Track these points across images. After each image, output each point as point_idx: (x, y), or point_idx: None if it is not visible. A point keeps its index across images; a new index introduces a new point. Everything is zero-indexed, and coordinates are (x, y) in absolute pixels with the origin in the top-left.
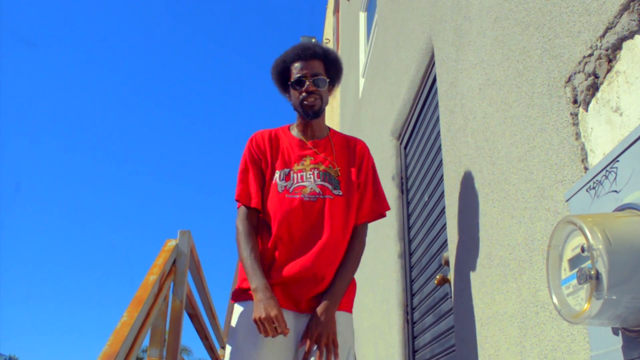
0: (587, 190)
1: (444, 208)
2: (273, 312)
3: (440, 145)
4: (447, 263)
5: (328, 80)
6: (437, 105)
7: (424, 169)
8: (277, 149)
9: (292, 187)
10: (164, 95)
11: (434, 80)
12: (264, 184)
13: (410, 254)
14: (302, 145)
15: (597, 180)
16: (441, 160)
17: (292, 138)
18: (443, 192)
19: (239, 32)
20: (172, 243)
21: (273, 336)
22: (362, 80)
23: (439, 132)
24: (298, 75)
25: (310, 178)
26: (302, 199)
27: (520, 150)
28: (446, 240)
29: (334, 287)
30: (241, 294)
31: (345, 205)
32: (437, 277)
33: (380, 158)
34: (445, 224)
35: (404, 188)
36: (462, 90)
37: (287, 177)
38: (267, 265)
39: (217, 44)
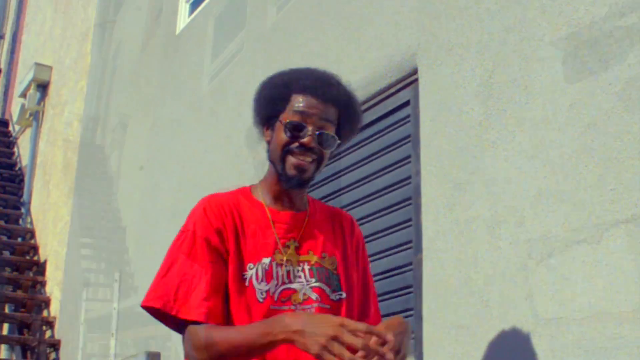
0: None
1: None
2: (337, 321)
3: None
4: None
5: (338, 141)
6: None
7: None
8: (243, 227)
9: (278, 292)
10: None
11: (404, 104)
12: (224, 285)
13: None
14: (280, 220)
15: None
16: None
17: (261, 208)
18: None
19: None
20: None
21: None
22: None
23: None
24: (299, 117)
25: (300, 277)
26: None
27: None
28: None
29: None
30: None
31: (350, 313)
32: None
33: None
34: None
35: None
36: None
37: (267, 274)
38: None
39: None
